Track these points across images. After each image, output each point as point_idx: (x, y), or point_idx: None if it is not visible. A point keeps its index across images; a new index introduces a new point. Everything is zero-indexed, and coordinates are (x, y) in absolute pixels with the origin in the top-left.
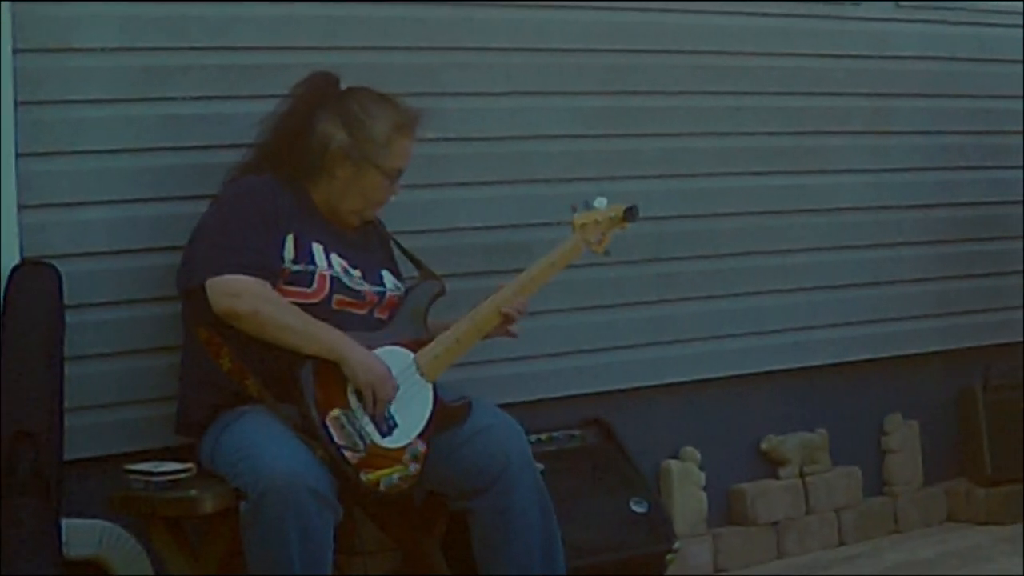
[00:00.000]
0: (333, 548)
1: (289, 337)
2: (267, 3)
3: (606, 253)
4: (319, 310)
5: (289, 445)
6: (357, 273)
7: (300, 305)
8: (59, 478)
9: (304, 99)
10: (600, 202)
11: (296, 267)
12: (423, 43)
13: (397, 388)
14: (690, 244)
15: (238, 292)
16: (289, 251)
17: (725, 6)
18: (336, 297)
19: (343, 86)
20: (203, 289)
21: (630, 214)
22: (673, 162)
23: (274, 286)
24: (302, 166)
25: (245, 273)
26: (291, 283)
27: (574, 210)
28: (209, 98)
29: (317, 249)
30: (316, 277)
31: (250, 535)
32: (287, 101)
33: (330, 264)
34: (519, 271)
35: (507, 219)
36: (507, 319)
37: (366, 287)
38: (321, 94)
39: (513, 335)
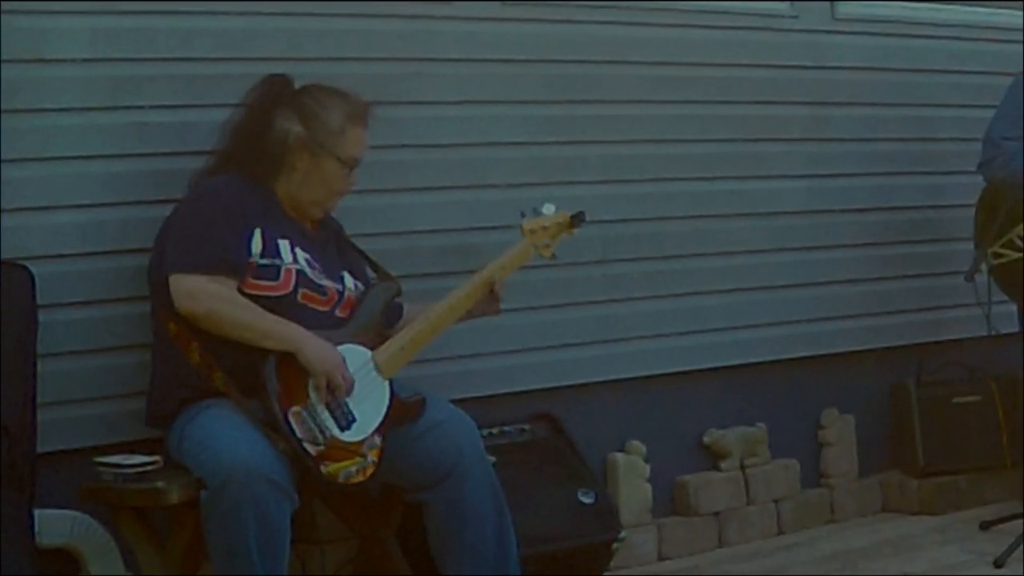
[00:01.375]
0: (291, 536)
1: (246, 333)
2: (230, 16)
3: (553, 257)
4: (285, 303)
5: (249, 437)
6: (318, 267)
7: (267, 298)
8: (32, 470)
9: (260, 101)
10: (548, 208)
11: (263, 261)
12: (379, 54)
13: (352, 378)
14: (635, 246)
15: (194, 293)
16: (257, 245)
17: (668, 19)
18: (301, 291)
19: (296, 85)
20: None
21: (576, 220)
22: (618, 168)
23: (242, 280)
24: (264, 164)
25: (207, 271)
26: (258, 277)
27: (523, 216)
28: (175, 106)
29: (283, 244)
30: (282, 271)
31: (210, 523)
32: (244, 105)
33: (295, 259)
34: (472, 272)
35: (460, 223)
36: (492, 294)
37: (327, 282)
38: (276, 94)
39: (497, 311)
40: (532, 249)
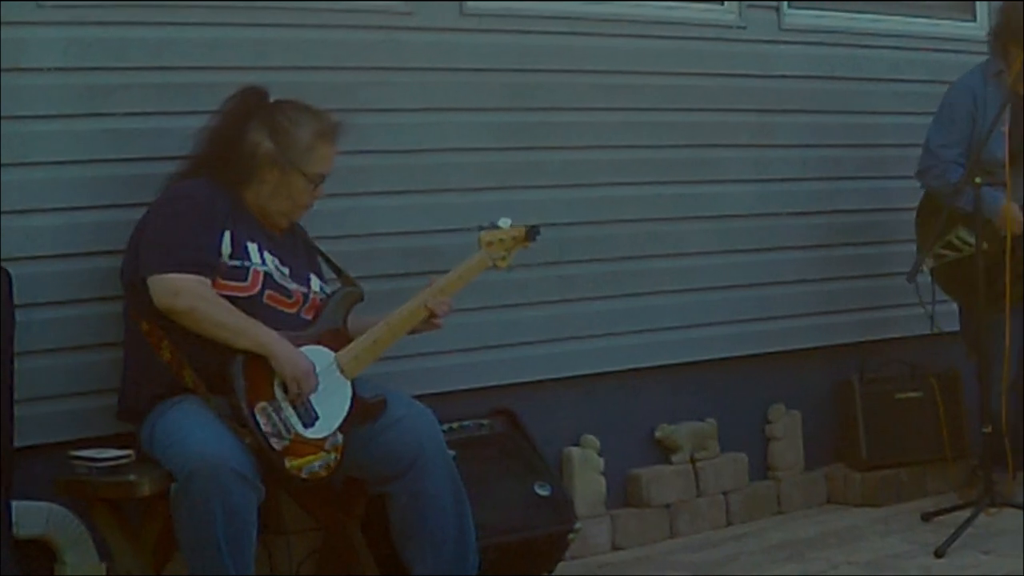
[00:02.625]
0: (257, 526)
1: (223, 333)
2: (200, 26)
3: (509, 268)
4: (252, 303)
5: (216, 431)
6: (286, 271)
7: (235, 298)
8: (9, 463)
9: (235, 111)
10: (504, 222)
11: (233, 263)
12: (343, 63)
13: (318, 383)
14: (589, 248)
15: (177, 290)
16: (227, 247)
17: (621, 29)
18: (267, 292)
19: (271, 99)
20: (146, 284)
21: (532, 234)
22: (573, 173)
23: (212, 281)
24: (235, 172)
25: (184, 270)
26: (228, 277)
27: (480, 228)
28: (147, 114)
29: (252, 247)
30: (251, 273)
31: (179, 513)
32: (220, 114)
33: (263, 261)
34: (432, 274)
35: (420, 226)
36: (432, 314)
37: (294, 285)
38: (250, 106)
39: (438, 327)
40: (489, 260)
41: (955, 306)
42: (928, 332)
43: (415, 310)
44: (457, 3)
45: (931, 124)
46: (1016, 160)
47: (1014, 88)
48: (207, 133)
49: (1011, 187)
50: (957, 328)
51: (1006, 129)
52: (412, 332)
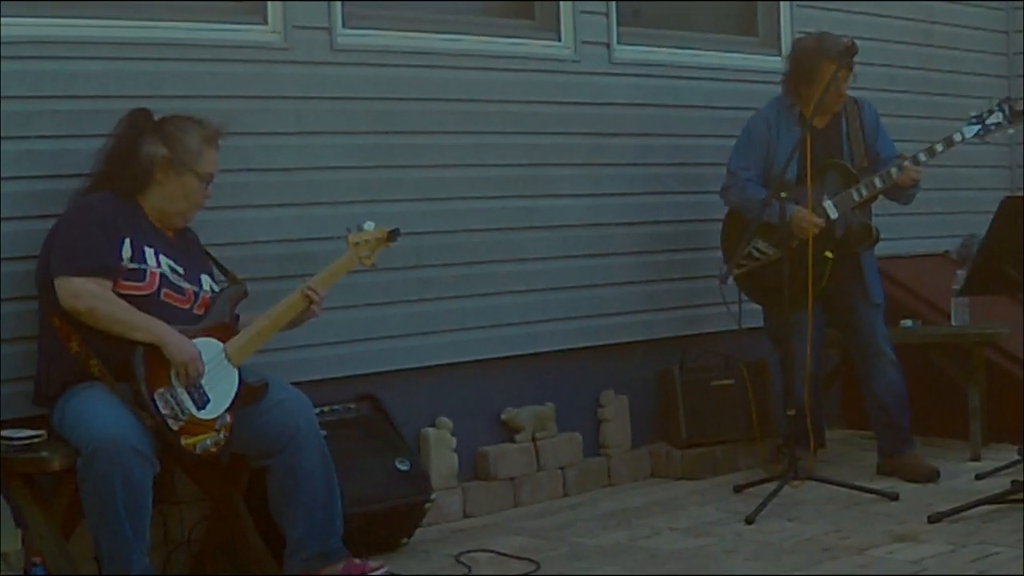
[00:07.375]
0: (153, 497)
1: (119, 328)
2: (104, 60)
3: (373, 266)
4: (150, 301)
5: (118, 414)
6: (180, 271)
7: (135, 296)
8: None
9: (127, 131)
10: (369, 225)
11: (132, 265)
12: (228, 93)
13: (204, 367)
14: (444, 254)
15: (78, 293)
16: (127, 252)
17: (471, 63)
18: (164, 291)
19: (156, 117)
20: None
21: (393, 235)
22: (430, 188)
23: (115, 281)
24: (133, 183)
25: (88, 273)
26: (128, 279)
27: (348, 231)
28: (59, 136)
29: (149, 252)
30: (148, 274)
31: (84, 486)
32: (114, 135)
33: (159, 264)
34: (306, 276)
35: (296, 234)
36: (311, 302)
37: (186, 284)
38: (140, 125)
39: (316, 315)
40: (356, 259)
41: (759, 306)
42: (736, 328)
43: (293, 303)
44: (328, 40)
45: (732, 149)
46: (815, 179)
47: (809, 118)
48: (105, 152)
49: (812, 201)
50: (761, 325)
51: (804, 155)
52: (289, 326)
